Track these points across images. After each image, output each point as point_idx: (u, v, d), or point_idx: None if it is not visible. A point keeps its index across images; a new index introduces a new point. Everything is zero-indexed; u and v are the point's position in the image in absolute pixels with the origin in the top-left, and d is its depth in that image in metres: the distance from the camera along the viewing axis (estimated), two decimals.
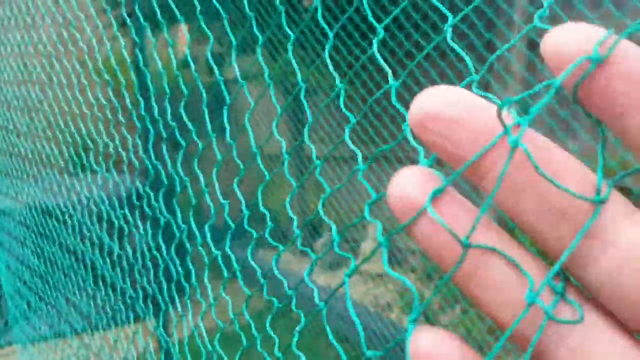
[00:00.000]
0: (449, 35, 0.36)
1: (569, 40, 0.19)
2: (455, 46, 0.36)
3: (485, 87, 2.15)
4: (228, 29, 0.75)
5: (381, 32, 0.43)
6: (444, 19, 1.99)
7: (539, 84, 0.23)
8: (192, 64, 0.89)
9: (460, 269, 0.20)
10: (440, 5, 0.42)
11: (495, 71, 2.09)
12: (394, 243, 2.83)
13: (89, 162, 1.43)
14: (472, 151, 0.20)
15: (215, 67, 0.79)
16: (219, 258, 0.83)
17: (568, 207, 0.20)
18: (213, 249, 0.84)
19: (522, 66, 2.08)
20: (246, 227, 0.78)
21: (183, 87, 0.89)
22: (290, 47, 0.58)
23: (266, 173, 0.70)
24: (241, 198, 0.76)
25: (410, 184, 0.21)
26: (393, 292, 2.76)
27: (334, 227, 0.47)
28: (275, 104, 0.66)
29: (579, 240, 0.19)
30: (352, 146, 0.46)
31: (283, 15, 0.62)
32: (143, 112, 1.05)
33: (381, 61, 0.39)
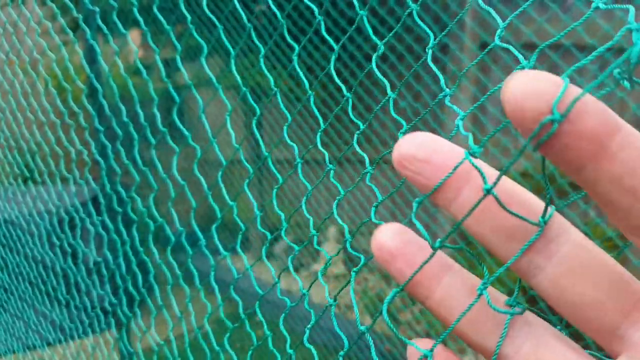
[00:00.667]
0: (428, 55, 0.37)
1: (529, 96, 0.21)
2: (433, 67, 0.37)
3: (434, 79, 2.19)
4: (173, 38, 0.74)
5: (335, 48, 0.44)
6: (403, 23, 2.02)
7: (492, 86, 0.25)
8: (143, 70, 0.88)
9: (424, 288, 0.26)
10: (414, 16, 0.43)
11: (450, 72, 2.13)
12: (352, 246, 2.85)
13: (46, 171, 1.39)
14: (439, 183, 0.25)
15: (163, 72, 0.78)
16: (179, 266, 0.83)
17: (517, 228, 0.24)
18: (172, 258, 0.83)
19: (469, 60, 2.13)
20: (199, 235, 0.78)
21: (134, 93, 0.88)
22: (233, 53, 0.58)
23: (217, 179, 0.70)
24: (193, 201, 0.75)
25: (387, 237, 0.27)
26: (353, 292, 2.78)
27: (346, 228, 0.47)
28: (229, 105, 0.66)
29: (520, 254, 0.24)
30: (321, 149, 0.46)
31: (251, 25, 0.62)
32: (96, 121, 1.03)
33: (335, 77, 0.40)
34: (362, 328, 0.34)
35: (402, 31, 2.00)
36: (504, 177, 0.24)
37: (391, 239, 0.27)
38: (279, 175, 0.63)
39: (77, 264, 1.31)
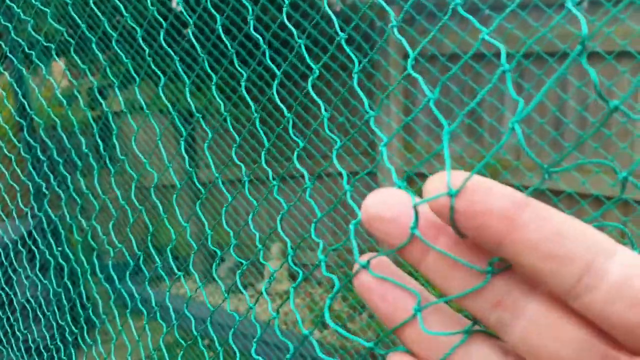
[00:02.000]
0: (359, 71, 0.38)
1: (434, 188, 0.25)
2: (359, 91, 0.38)
3: (369, 94, 2.23)
4: (107, 67, 0.74)
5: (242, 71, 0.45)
6: (333, 42, 2.06)
7: (421, 96, 0.27)
8: (64, 100, 0.87)
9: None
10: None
11: (374, 78, 2.18)
12: (299, 260, 2.86)
13: None
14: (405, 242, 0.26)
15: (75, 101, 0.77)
16: (123, 293, 0.81)
17: (471, 279, 0.26)
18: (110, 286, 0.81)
19: (397, 73, 2.19)
20: (141, 264, 0.77)
21: (57, 122, 0.87)
22: (163, 80, 0.59)
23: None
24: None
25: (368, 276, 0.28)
26: (301, 307, 2.78)
27: (289, 243, 0.48)
28: (157, 129, 0.66)
29: (462, 295, 0.25)
30: (265, 166, 0.47)
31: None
32: (25, 152, 1.00)
33: (277, 99, 0.41)
34: (305, 332, 0.35)
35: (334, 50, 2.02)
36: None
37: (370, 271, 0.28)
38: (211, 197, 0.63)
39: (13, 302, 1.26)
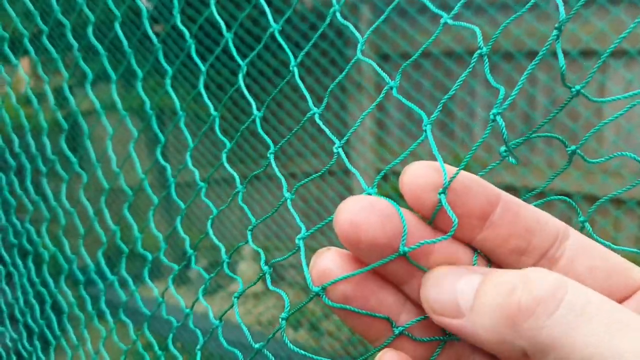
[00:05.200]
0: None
1: (426, 185, 0.25)
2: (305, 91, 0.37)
3: (342, 89, 2.23)
4: (82, 63, 0.71)
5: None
6: (305, 37, 2.05)
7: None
8: (34, 99, 0.84)
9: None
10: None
11: (351, 76, 2.18)
12: (268, 263, 2.83)
13: None
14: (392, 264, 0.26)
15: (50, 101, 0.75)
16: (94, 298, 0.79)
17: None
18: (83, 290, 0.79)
19: (369, 69, 2.20)
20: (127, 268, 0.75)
21: (25, 122, 0.84)
22: (140, 76, 0.57)
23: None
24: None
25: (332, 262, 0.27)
26: (273, 308, 2.77)
27: (262, 254, 0.46)
28: (134, 131, 0.64)
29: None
30: (229, 169, 0.46)
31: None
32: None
33: (247, 94, 0.40)
34: (257, 346, 0.34)
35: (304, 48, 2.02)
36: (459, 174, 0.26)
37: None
38: (180, 202, 0.61)
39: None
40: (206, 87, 0.51)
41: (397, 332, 0.26)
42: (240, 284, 0.40)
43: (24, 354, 1.11)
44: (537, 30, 1.73)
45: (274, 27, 0.41)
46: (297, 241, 0.30)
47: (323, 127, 0.35)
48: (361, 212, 0.25)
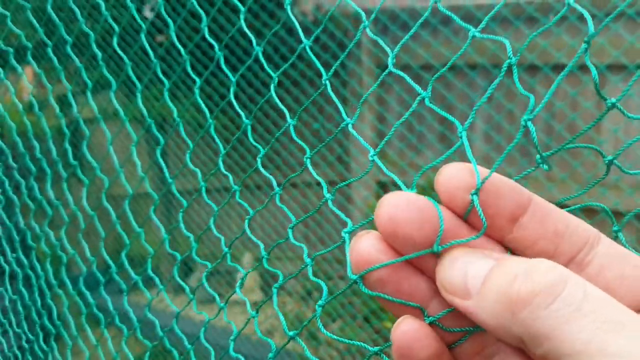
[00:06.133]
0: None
1: (459, 184, 0.26)
2: (334, 97, 0.38)
3: (343, 101, 2.24)
4: (84, 73, 0.72)
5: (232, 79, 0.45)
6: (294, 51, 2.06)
7: (395, 104, 0.27)
8: (36, 106, 0.85)
9: None
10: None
11: (350, 86, 2.19)
12: (268, 272, 2.83)
13: None
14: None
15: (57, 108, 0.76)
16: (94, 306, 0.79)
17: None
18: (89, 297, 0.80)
19: (371, 80, 2.21)
20: (114, 275, 0.75)
21: (30, 130, 0.85)
22: (140, 87, 0.58)
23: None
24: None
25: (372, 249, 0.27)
26: (272, 318, 2.76)
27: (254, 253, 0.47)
28: (135, 136, 0.65)
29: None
30: (226, 172, 0.47)
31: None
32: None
33: (235, 105, 0.41)
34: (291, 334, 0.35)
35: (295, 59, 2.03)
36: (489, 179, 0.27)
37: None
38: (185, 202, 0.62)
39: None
40: (210, 98, 0.52)
41: (427, 322, 0.27)
42: (238, 288, 0.40)
43: (40, 354, 1.11)
44: (565, 42, 1.73)
45: (306, 42, 0.42)
46: (343, 234, 0.32)
47: (357, 136, 0.36)
48: (401, 208, 0.26)
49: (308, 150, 0.41)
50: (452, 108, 2.03)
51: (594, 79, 0.25)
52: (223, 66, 0.47)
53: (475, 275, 0.25)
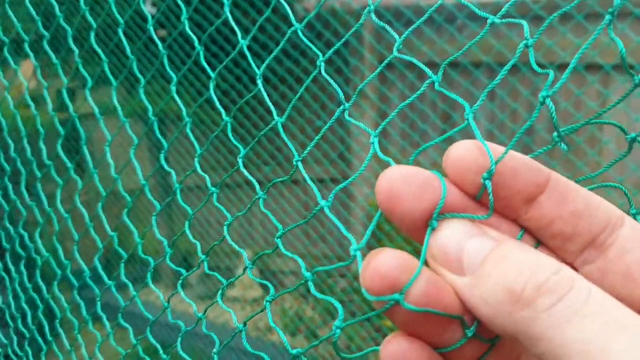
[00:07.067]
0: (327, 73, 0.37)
1: (470, 164, 0.25)
2: (331, 81, 0.37)
3: (346, 97, 2.23)
4: (81, 68, 0.72)
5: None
6: (284, 51, 2.05)
7: (396, 99, 0.26)
8: (31, 103, 0.84)
9: None
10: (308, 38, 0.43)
11: (354, 83, 2.18)
12: (268, 269, 2.83)
13: None
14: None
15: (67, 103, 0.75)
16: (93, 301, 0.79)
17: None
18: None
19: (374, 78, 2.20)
20: (122, 271, 0.75)
21: (21, 125, 0.84)
22: (143, 82, 0.57)
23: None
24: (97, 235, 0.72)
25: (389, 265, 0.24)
26: (272, 314, 2.76)
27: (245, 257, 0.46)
28: (134, 137, 0.64)
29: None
30: (201, 173, 0.46)
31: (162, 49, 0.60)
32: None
33: (219, 106, 0.40)
34: (294, 352, 0.34)
35: (283, 54, 2.03)
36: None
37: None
38: (186, 206, 0.61)
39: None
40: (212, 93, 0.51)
41: (469, 334, 0.25)
42: (225, 286, 0.40)
43: (14, 359, 1.10)
44: (571, 42, 1.72)
45: (297, 26, 0.41)
46: (351, 252, 0.29)
47: (355, 122, 0.35)
48: (399, 181, 0.24)
49: (296, 154, 0.40)
50: (455, 106, 2.02)
51: (621, 52, 0.24)
52: (251, 60, 0.46)
53: (472, 253, 0.24)
